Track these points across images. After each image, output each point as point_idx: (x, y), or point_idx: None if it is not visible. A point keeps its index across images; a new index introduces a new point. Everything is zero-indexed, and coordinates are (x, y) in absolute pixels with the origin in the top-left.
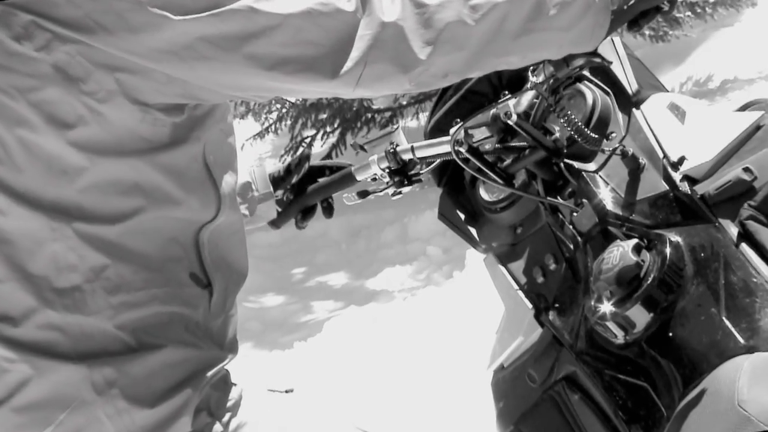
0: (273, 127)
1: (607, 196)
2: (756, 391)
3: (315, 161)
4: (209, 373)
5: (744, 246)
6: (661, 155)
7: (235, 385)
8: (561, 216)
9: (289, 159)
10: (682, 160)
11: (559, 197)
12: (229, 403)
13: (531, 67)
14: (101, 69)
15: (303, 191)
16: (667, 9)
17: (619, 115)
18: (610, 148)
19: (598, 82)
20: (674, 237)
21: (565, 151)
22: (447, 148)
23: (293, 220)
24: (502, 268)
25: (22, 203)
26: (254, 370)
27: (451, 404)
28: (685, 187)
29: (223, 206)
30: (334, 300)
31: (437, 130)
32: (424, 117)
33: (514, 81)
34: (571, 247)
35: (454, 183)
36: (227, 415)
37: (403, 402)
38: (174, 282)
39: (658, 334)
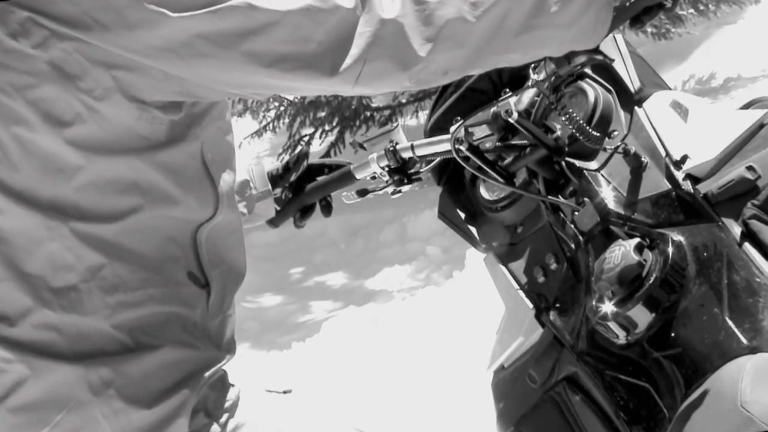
0: (271, 125)
1: (608, 194)
2: (759, 392)
3: (314, 159)
4: (207, 374)
5: (747, 245)
6: (663, 154)
7: (233, 385)
8: (562, 215)
9: (287, 157)
10: (684, 158)
11: (560, 196)
12: (227, 404)
13: (532, 65)
14: (98, 66)
15: (301, 190)
16: (669, 6)
17: (621, 113)
18: (612, 147)
19: (600, 80)
20: (677, 236)
21: (566, 149)
22: (447, 147)
23: (292, 219)
24: (503, 268)
25: (18, 202)
26: (252, 371)
27: (451, 405)
28: (687, 185)
29: (221, 205)
30: (333, 300)
31: (437, 128)
32: (423, 115)
33: (515, 78)
34: (573, 246)
35: (454, 182)
36: (225, 416)
37: (403, 403)
38: (171, 281)
39: (660, 335)
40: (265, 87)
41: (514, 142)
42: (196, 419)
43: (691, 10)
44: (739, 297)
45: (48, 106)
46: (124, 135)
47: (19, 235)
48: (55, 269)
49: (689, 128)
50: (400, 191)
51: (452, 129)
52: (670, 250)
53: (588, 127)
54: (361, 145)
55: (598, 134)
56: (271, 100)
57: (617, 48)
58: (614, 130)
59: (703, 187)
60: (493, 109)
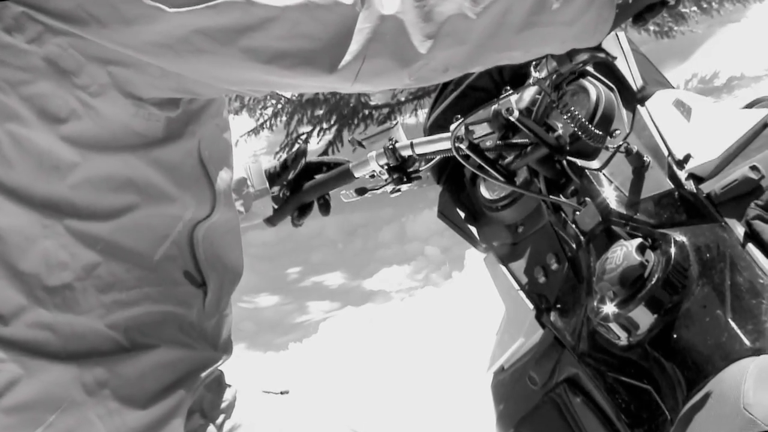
0: (268, 123)
1: (610, 194)
2: (762, 395)
3: (312, 157)
4: (203, 374)
5: (750, 246)
6: (666, 153)
7: (230, 386)
8: (563, 215)
9: (284, 155)
10: (687, 158)
11: (561, 195)
12: (223, 405)
13: (533, 62)
14: (94, 62)
15: (299, 188)
16: (673, 3)
17: (624, 111)
18: (614, 146)
19: (602, 78)
20: (679, 236)
21: (567, 148)
22: (447, 145)
23: (289, 218)
24: (503, 268)
25: (12, 199)
26: (249, 372)
27: (450, 407)
28: (690, 185)
29: (218, 203)
30: (330, 300)
31: (437, 126)
32: (422, 114)
33: (516, 76)
34: (574, 246)
35: (454, 180)
36: (221, 417)
37: (401, 405)
38: (168, 280)
39: (662, 336)
40: (264, 84)
41: (515, 140)
42: (191, 420)
43: (694, 8)
44: (742, 298)
45: (43, 102)
46: (120, 132)
47: (14, 233)
48: (49, 267)
49: (692, 127)
50: (399, 190)
51: (453, 127)
52: (673, 250)
53: (590, 126)
54: (359, 143)
55: (599, 133)
56: (268, 97)
57: (620, 46)
58: (616, 129)
59: (706, 187)
60: (494, 107)
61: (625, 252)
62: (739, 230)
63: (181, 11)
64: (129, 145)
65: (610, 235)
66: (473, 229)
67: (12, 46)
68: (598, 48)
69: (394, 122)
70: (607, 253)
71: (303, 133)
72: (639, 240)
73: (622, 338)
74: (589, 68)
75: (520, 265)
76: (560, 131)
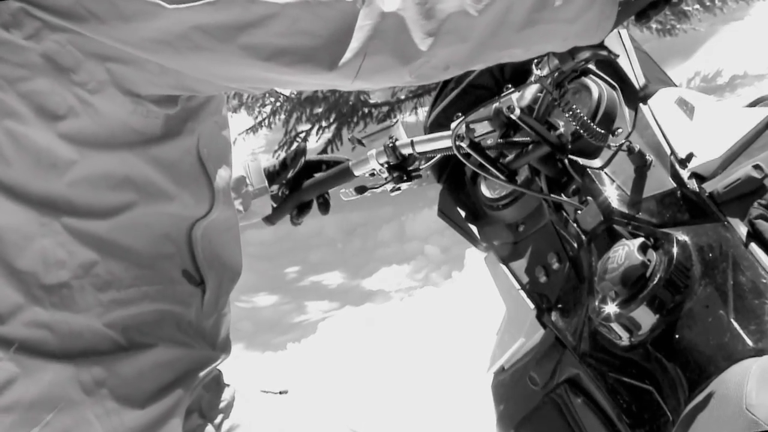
0: (266, 121)
1: (612, 193)
2: (764, 396)
3: (311, 156)
4: (201, 374)
5: (753, 246)
6: (668, 152)
7: (228, 386)
8: (565, 214)
9: (283, 154)
10: (690, 157)
11: (563, 194)
12: (222, 405)
13: (535, 60)
14: (92, 59)
15: (299, 186)
16: (675, 1)
17: (626, 110)
18: (616, 144)
19: (604, 76)
20: (681, 236)
21: (569, 146)
22: (448, 143)
23: (288, 216)
24: (504, 267)
25: (10, 197)
26: (247, 372)
27: (450, 407)
28: (693, 184)
29: (216, 201)
30: (329, 300)
31: (437, 124)
32: (422, 112)
33: (518, 74)
34: (575, 245)
35: (455, 179)
36: (219, 417)
37: (401, 405)
38: (166, 279)
39: (664, 336)
40: (263, 81)
41: (516, 139)
42: (190, 420)
43: (697, 6)
44: (745, 298)
45: (41, 99)
46: (118, 129)
47: (11, 231)
48: (47, 266)
49: (695, 126)
50: (399, 188)
51: (453, 125)
52: (675, 250)
53: (592, 124)
54: (359, 141)
55: (601, 131)
56: (267, 95)
57: (622, 44)
58: (618, 128)
59: (709, 186)
60: (495, 105)
61: (626, 251)
62: (742, 230)
63: (180, 8)
64: (127, 142)
65: (612, 234)
66: (474, 228)
67: (10, 43)
68: (601, 46)
69: (394, 120)
70: (609, 253)
71: (302, 132)
72: (641, 239)
73: (624, 338)
74: (591, 66)
75: (520, 264)
76: (562, 129)
